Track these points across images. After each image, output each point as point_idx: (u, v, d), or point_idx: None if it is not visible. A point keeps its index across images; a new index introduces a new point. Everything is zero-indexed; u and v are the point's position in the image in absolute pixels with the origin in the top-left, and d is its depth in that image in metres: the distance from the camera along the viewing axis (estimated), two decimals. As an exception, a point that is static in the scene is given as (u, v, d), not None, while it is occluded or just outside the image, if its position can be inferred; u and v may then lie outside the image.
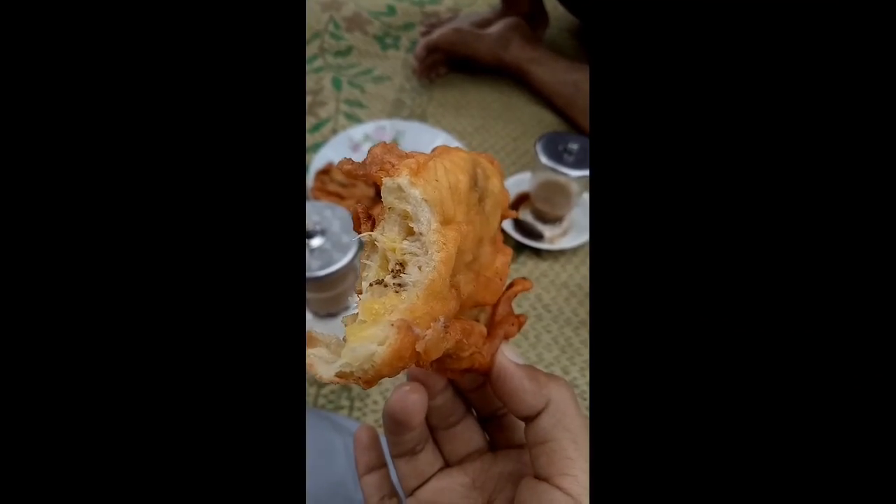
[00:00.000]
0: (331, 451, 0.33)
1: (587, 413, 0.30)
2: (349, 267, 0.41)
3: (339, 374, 0.14)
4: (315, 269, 0.39)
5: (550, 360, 0.49)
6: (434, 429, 0.22)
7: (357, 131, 0.65)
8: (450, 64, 0.79)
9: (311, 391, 0.46)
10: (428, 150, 0.62)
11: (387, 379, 0.45)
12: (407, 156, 0.16)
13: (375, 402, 0.46)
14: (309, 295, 0.44)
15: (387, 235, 0.16)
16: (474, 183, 0.18)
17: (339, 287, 0.44)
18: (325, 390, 0.46)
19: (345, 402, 0.46)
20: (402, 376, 0.18)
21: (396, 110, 0.73)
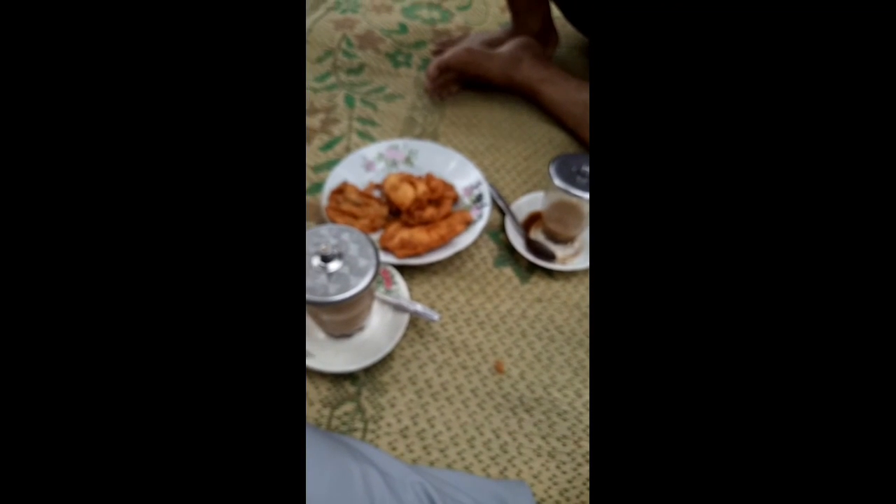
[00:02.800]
0: (348, 479, 0.33)
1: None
2: (366, 290, 0.41)
3: None
4: (333, 293, 0.39)
5: (563, 383, 0.49)
6: None
7: (371, 150, 0.65)
8: (461, 82, 0.80)
9: (324, 412, 0.46)
10: (442, 170, 0.63)
11: (399, 401, 0.45)
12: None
13: (389, 425, 0.46)
14: (324, 317, 0.45)
15: None
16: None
17: (355, 310, 0.44)
18: (338, 412, 0.46)
19: (358, 424, 0.46)
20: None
21: (408, 128, 0.74)
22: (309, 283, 0.40)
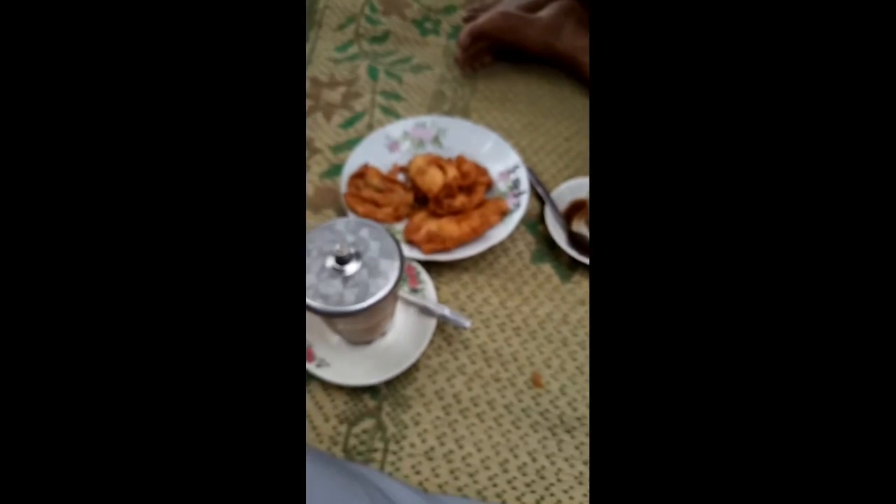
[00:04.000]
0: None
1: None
2: (389, 295, 0.35)
3: None
4: (349, 301, 0.34)
5: (611, 401, 0.43)
6: None
7: (395, 128, 0.59)
8: (495, 52, 0.72)
9: (341, 430, 0.41)
10: (474, 151, 0.55)
11: (425, 417, 0.39)
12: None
13: (412, 445, 0.41)
14: (340, 326, 0.39)
15: None
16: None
17: (375, 318, 0.38)
18: (356, 429, 0.41)
19: (378, 444, 0.41)
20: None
21: (437, 103, 0.67)
22: (322, 289, 0.34)
